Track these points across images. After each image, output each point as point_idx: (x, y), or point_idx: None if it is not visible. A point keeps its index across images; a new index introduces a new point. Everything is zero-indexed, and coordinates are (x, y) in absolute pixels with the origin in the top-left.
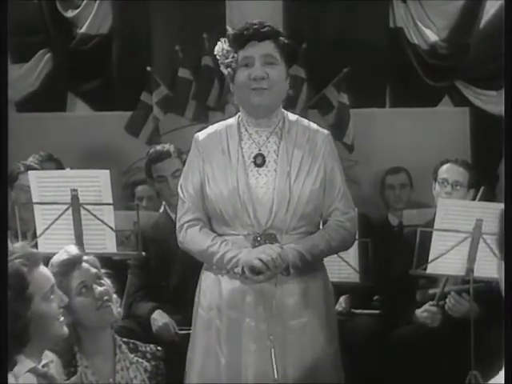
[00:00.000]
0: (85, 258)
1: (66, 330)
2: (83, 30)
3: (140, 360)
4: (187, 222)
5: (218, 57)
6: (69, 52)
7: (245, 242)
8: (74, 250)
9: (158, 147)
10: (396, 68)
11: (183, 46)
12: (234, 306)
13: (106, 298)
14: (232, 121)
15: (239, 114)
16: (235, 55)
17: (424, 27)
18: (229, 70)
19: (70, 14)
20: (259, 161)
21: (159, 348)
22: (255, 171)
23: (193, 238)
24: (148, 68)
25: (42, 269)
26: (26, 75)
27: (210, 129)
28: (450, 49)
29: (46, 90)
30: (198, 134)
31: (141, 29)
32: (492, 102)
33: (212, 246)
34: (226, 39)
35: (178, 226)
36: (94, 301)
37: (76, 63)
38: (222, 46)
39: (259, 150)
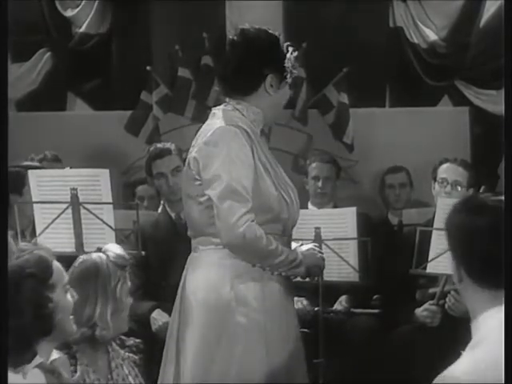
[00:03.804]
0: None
1: (75, 327)
2: (83, 29)
3: (130, 355)
4: (253, 219)
5: (287, 61)
6: (68, 51)
7: (283, 241)
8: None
9: (159, 145)
10: (396, 67)
11: (183, 46)
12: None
13: None
14: (241, 117)
15: (242, 112)
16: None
17: (424, 26)
18: (288, 77)
19: (69, 13)
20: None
21: (139, 340)
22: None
23: (261, 235)
24: (148, 67)
25: (58, 264)
26: (26, 74)
27: (238, 124)
28: (450, 48)
29: (46, 90)
30: (233, 124)
31: (141, 28)
32: (492, 101)
33: (278, 247)
34: (291, 48)
35: (235, 218)
36: (130, 307)
37: (76, 62)
38: (290, 57)
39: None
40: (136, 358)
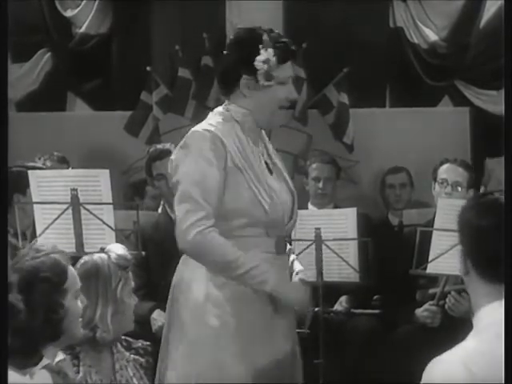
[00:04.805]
0: None
1: (82, 331)
2: (83, 29)
3: (136, 357)
4: (209, 226)
5: (257, 63)
6: (69, 51)
7: (267, 244)
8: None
9: (159, 146)
10: (396, 68)
11: (183, 46)
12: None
13: None
14: (230, 121)
15: (231, 113)
16: (277, 71)
17: (424, 27)
18: (262, 79)
19: (69, 13)
20: (271, 167)
21: (148, 343)
22: (270, 177)
23: (212, 246)
24: (148, 68)
25: (73, 269)
26: (26, 75)
27: (217, 125)
28: (450, 48)
29: (46, 90)
30: (205, 127)
31: (141, 28)
32: (492, 101)
33: (238, 259)
34: (272, 50)
35: (186, 224)
36: (133, 306)
37: (76, 63)
38: (268, 58)
39: (267, 156)
40: (142, 360)
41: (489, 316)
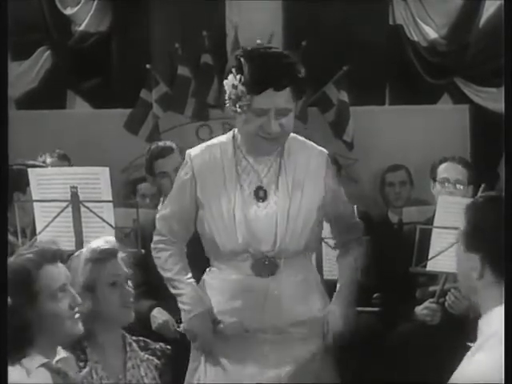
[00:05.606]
0: (121, 254)
1: (80, 328)
2: (82, 27)
3: (151, 358)
4: (158, 241)
5: (225, 86)
6: (68, 49)
7: (243, 268)
8: (113, 241)
9: (160, 143)
10: (396, 65)
11: (183, 44)
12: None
13: (131, 299)
14: (227, 142)
15: (234, 133)
16: (249, 100)
17: (424, 24)
18: (235, 106)
19: (69, 11)
20: (262, 195)
21: (168, 347)
22: (254, 203)
23: (160, 260)
24: (147, 65)
25: (54, 267)
26: (26, 73)
27: (205, 150)
28: (450, 46)
29: (46, 88)
30: (191, 153)
31: (140, 26)
32: (492, 99)
33: (174, 279)
34: (241, 78)
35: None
36: (121, 298)
37: (75, 61)
38: (234, 83)
39: (260, 183)
40: (157, 361)
41: (501, 317)
